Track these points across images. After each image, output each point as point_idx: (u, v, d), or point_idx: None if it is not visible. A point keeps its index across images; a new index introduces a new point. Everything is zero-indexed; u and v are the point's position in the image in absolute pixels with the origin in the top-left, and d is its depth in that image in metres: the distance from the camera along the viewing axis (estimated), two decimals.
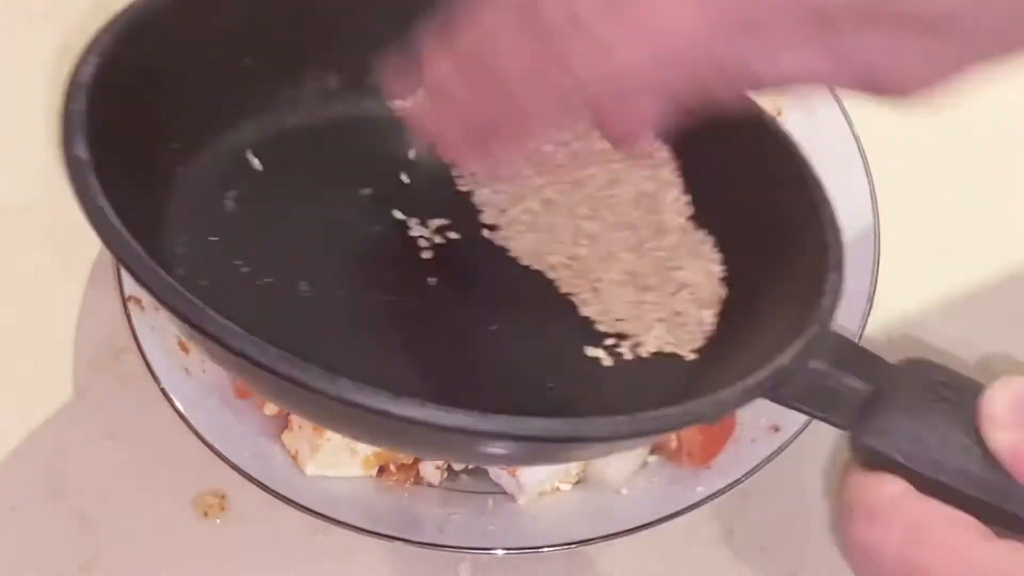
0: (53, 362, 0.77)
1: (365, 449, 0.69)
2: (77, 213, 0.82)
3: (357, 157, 0.63)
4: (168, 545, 0.72)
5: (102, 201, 0.48)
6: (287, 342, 0.44)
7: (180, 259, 0.55)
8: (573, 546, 0.66)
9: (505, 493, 0.69)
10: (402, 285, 0.58)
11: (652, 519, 0.66)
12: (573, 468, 0.69)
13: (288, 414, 0.70)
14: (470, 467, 0.70)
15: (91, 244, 0.81)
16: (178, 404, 0.67)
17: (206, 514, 0.73)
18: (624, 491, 0.69)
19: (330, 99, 0.62)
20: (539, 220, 0.61)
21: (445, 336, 0.57)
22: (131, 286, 0.70)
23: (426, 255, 0.59)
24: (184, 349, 0.71)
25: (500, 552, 0.66)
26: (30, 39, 0.90)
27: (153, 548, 0.72)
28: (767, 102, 0.79)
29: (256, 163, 0.60)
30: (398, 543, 0.65)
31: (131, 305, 0.70)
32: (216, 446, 0.66)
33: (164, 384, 0.67)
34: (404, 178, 0.62)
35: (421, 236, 0.60)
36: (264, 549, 0.72)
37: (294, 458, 0.69)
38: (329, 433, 0.67)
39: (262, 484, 0.65)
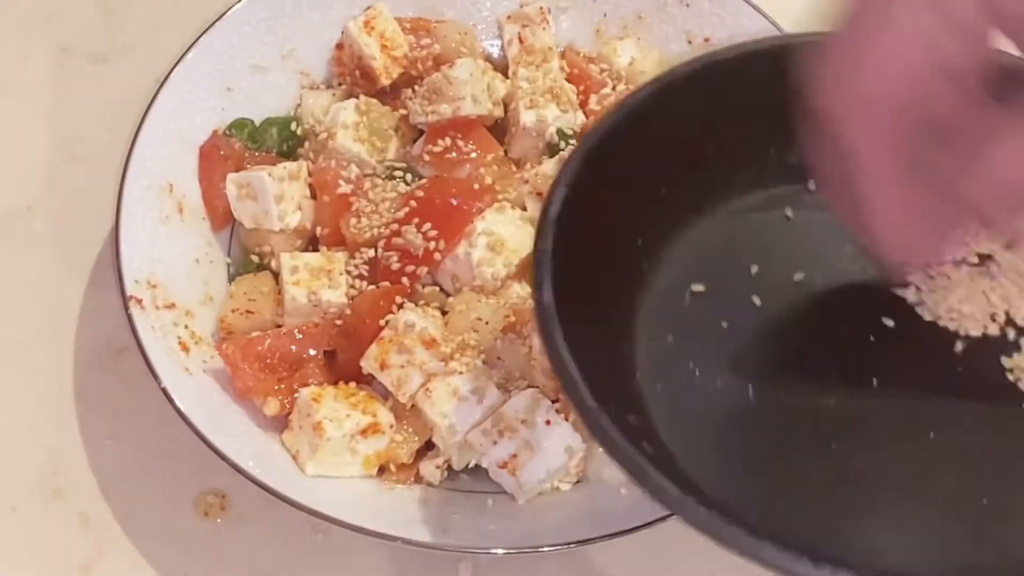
0: (53, 362, 0.77)
1: (365, 449, 0.69)
2: (77, 213, 0.83)
3: (806, 246, 0.60)
4: (168, 545, 0.72)
5: (562, 347, 0.50)
6: (726, 461, 0.49)
7: (640, 362, 0.55)
8: (573, 546, 0.66)
9: (505, 493, 0.69)
10: (845, 385, 0.56)
11: (652, 519, 0.66)
12: (573, 468, 0.69)
13: (288, 414, 0.70)
14: (470, 466, 0.70)
15: (91, 244, 0.81)
16: (179, 404, 0.67)
17: (206, 514, 0.73)
18: (624, 491, 0.69)
19: (787, 178, 0.60)
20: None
21: (885, 448, 0.54)
22: (131, 286, 0.70)
23: (867, 352, 0.56)
24: (184, 349, 0.71)
25: (500, 552, 0.66)
26: (30, 39, 0.90)
27: (153, 548, 0.72)
28: None
29: (711, 253, 0.59)
30: (398, 543, 0.65)
31: (131, 305, 0.70)
32: (217, 446, 0.66)
33: (165, 384, 0.67)
34: (856, 274, 0.59)
35: (864, 331, 0.57)
36: (264, 549, 0.72)
37: (294, 458, 0.69)
38: (329, 433, 0.68)
39: (262, 484, 0.65)
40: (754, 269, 0.58)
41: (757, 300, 0.57)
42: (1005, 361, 0.55)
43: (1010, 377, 0.55)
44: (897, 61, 0.45)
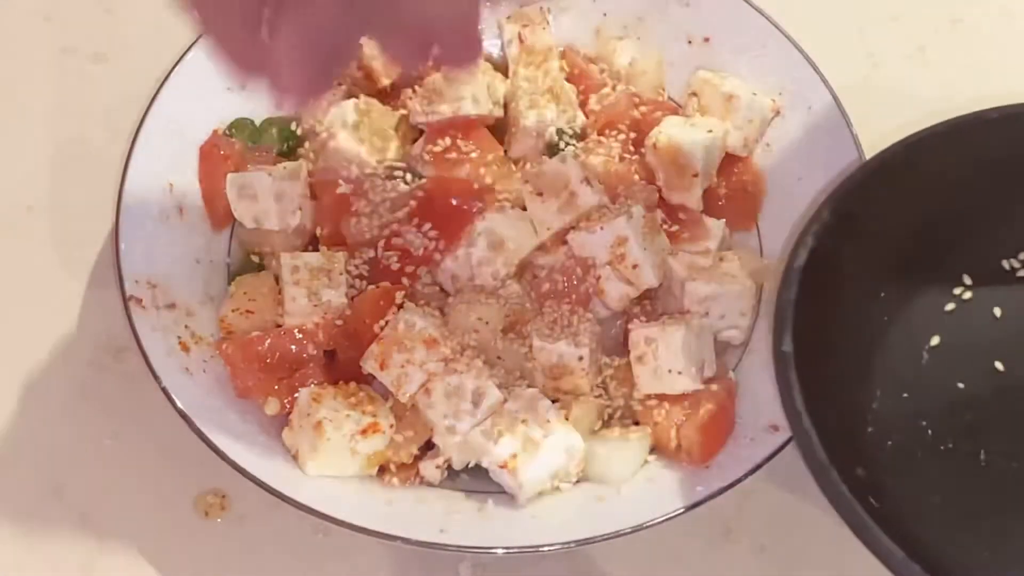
0: (53, 362, 0.77)
1: (365, 449, 0.69)
2: (77, 213, 0.83)
3: None
4: (168, 545, 0.72)
5: (798, 398, 0.51)
6: (952, 524, 0.50)
7: (873, 415, 0.56)
8: (573, 546, 0.66)
9: (505, 493, 0.70)
10: None
11: (652, 519, 0.66)
12: (573, 468, 0.69)
13: (289, 413, 0.70)
14: (470, 466, 0.70)
15: (91, 244, 0.81)
16: (179, 404, 0.67)
17: (206, 514, 0.73)
18: (624, 491, 0.70)
19: None
20: None
21: None
22: (131, 286, 0.70)
23: None
24: (184, 348, 0.71)
25: (500, 552, 0.66)
26: (30, 39, 0.90)
27: (153, 548, 0.72)
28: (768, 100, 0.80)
29: (953, 312, 0.59)
30: (398, 543, 0.65)
31: (131, 305, 0.70)
32: (217, 446, 0.66)
33: (165, 384, 0.67)
34: None
35: None
36: (264, 549, 0.72)
37: (294, 458, 0.69)
38: (329, 433, 0.68)
39: (263, 484, 0.65)
40: (998, 333, 0.58)
41: (1000, 365, 0.57)
42: None
43: None
44: None
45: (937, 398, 0.56)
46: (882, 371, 0.56)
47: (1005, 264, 0.59)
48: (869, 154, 0.79)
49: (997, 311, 0.59)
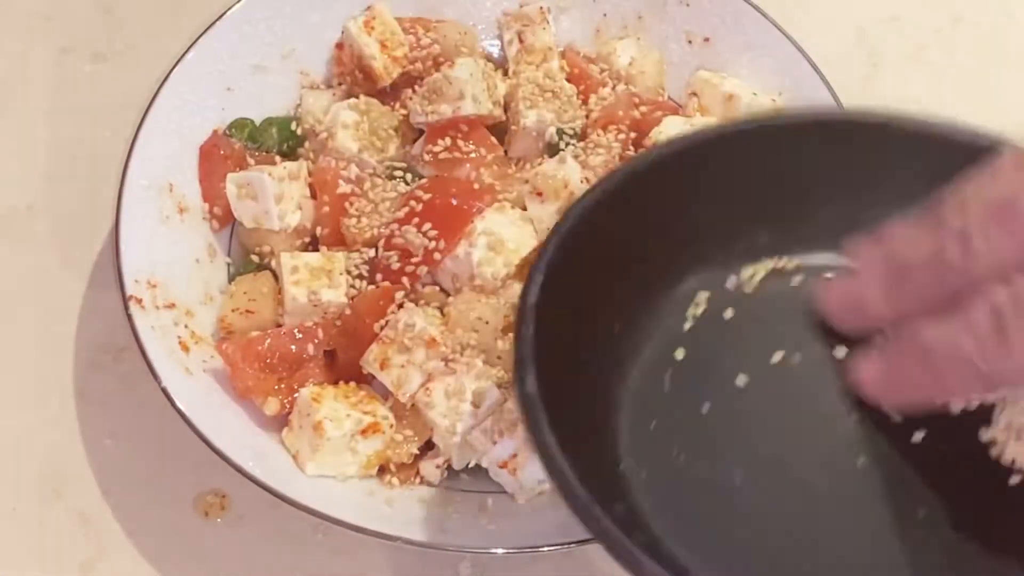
0: (53, 362, 0.77)
1: (365, 449, 0.69)
2: (77, 213, 0.83)
3: (784, 327, 0.60)
4: (168, 545, 0.72)
5: (549, 438, 0.50)
6: (715, 545, 0.50)
7: (624, 449, 0.55)
8: (573, 546, 0.66)
9: (505, 493, 0.70)
10: (830, 467, 0.55)
11: None
12: None
13: (288, 413, 0.70)
14: (470, 466, 0.70)
15: (91, 244, 0.81)
16: (179, 404, 0.67)
17: (206, 514, 0.73)
18: None
19: (757, 256, 0.60)
20: None
21: (872, 534, 0.54)
22: (131, 286, 0.70)
23: (851, 430, 0.56)
24: (184, 348, 0.71)
25: (500, 552, 0.66)
26: (30, 39, 0.90)
27: (153, 548, 0.72)
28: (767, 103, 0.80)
29: (689, 330, 0.59)
30: (398, 543, 0.65)
31: (131, 305, 0.70)
32: (217, 446, 0.66)
33: (165, 384, 0.67)
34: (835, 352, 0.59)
35: (842, 409, 0.56)
36: (264, 549, 0.72)
37: (294, 458, 0.69)
38: (329, 433, 0.68)
39: (262, 484, 0.65)
40: (734, 351, 0.58)
41: (740, 381, 0.57)
42: (983, 434, 0.55)
43: (993, 452, 0.55)
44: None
45: (685, 423, 0.56)
46: (628, 403, 0.56)
47: (732, 279, 0.60)
48: None
49: (731, 322, 0.59)
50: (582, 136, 0.80)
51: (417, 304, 0.73)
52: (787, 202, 0.60)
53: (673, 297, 0.59)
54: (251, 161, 0.78)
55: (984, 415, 0.54)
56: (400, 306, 0.72)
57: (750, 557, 0.52)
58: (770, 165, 0.59)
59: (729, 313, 0.59)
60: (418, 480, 0.71)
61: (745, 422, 0.56)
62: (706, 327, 0.58)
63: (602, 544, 0.47)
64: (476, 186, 0.75)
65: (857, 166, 0.59)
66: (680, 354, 0.57)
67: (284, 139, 0.80)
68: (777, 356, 0.57)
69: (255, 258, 0.77)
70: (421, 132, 0.80)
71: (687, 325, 0.58)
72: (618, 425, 0.55)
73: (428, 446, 0.71)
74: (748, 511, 0.53)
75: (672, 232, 0.58)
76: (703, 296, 0.59)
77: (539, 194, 0.74)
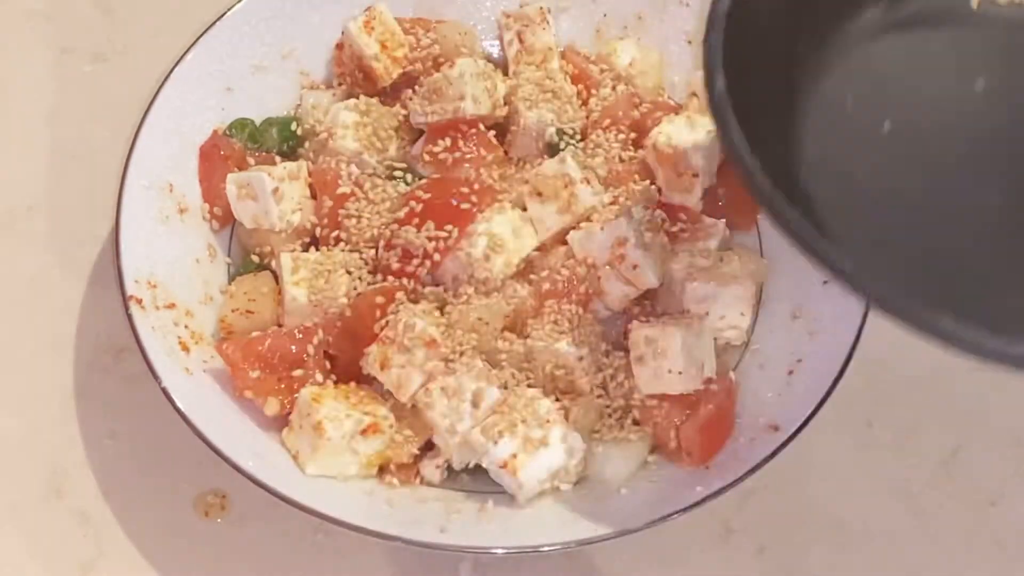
0: (53, 362, 0.78)
1: (365, 449, 0.69)
2: (77, 213, 0.83)
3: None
4: (168, 545, 0.72)
5: (738, 134, 0.52)
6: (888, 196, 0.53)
7: (805, 164, 0.57)
8: (573, 546, 0.66)
9: (505, 493, 0.69)
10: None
11: (652, 519, 0.66)
12: (573, 468, 0.69)
13: (289, 413, 0.70)
14: (470, 466, 0.70)
15: (91, 244, 0.81)
16: (179, 404, 0.67)
17: (206, 514, 0.73)
18: (624, 491, 0.70)
19: None
20: None
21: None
22: (131, 286, 0.70)
23: None
24: (185, 348, 0.71)
25: (500, 552, 0.66)
26: (30, 39, 0.90)
27: (153, 548, 0.72)
28: None
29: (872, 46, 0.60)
30: (398, 543, 0.65)
31: (131, 305, 0.70)
32: (217, 446, 0.66)
33: (165, 384, 0.67)
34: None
35: None
36: (264, 549, 0.72)
37: (294, 458, 0.69)
38: (329, 433, 0.68)
39: (262, 484, 0.65)
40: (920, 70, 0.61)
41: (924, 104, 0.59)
42: None
43: None
44: None
45: (865, 141, 0.57)
46: (810, 119, 0.58)
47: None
48: None
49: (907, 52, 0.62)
50: (582, 136, 0.80)
51: (417, 304, 0.72)
52: None
53: (858, 23, 0.61)
54: (251, 161, 0.78)
55: None
56: (400, 306, 0.72)
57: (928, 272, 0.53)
58: None
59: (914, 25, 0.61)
60: (418, 480, 0.71)
61: (929, 141, 0.58)
62: (890, 49, 0.61)
63: (786, 236, 0.49)
64: (476, 186, 0.75)
65: None
66: (864, 76, 0.60)
67: (284, 139, 0.80)
68: (979, 84, 0.59)
69: (255, 258, 0.77)
70: (421, 132, 0.80)
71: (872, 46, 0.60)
72: (800, 141, 0.57)
73: (428, 446, 0.71)
74: (936, 218, 0.56)
75: None
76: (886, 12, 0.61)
77: (539, 194, 0.74)
